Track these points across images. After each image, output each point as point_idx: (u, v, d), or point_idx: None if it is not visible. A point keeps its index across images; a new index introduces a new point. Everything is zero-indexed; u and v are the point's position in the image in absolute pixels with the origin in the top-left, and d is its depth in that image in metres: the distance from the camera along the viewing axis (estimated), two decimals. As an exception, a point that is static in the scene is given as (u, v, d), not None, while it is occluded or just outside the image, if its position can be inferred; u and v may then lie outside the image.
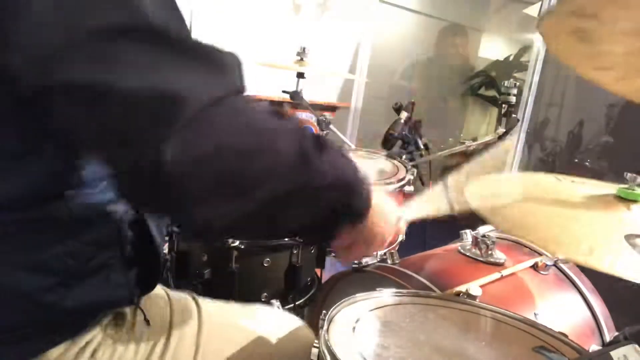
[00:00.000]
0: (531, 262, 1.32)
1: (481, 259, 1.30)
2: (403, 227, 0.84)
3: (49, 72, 0.49)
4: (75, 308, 0.66)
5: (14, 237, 0.60)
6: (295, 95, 1.87)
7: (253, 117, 0.59)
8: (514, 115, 1.62)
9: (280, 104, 2.36)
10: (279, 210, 0.60)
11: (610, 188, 0.77)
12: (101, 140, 0.54)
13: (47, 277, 0.62)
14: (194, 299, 0.90)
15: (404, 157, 1.67)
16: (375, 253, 0.80)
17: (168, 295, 0.88)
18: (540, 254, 1.39)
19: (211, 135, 0.53)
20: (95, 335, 0.71)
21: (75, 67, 0.49)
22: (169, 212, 0.62)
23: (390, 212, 0.78)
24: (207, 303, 0.91)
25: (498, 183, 0.90)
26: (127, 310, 0.77)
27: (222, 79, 0.56)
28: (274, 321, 0.96)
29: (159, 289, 0.86)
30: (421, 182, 1.70)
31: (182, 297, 0.90)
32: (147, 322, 0.78)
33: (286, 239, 1.23)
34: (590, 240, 0.63)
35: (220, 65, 0.57)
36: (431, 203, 0.93)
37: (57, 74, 0.49)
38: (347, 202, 0.67)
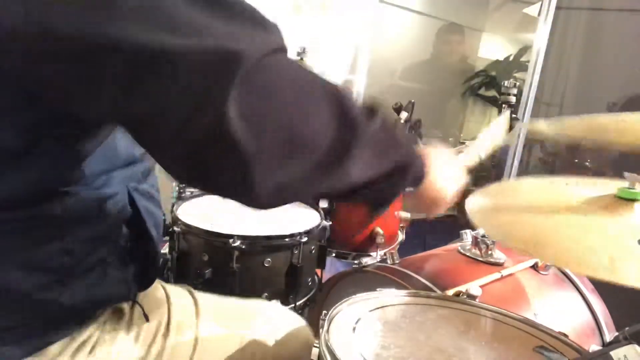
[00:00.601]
0: (531, 262, 1.33)
1: (481, 259, 1.31)
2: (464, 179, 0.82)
3: (99, 28, 0.47)
4: (72, 305, 0.66)
5: (10, 235, 0.60)
6: (295, 95, 1.87)
7: (303, 73, 0.59)
8: (514, 115, 1.62)
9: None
10: (334, 168, 0.58)
11: (605, 185, 0.77)
12: (162, 105, 0.51)
13: (44, 275, 0.62)
14: (191, 293, 0.90)
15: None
16: (443, 211, 0.79)
17: (165, 290, 0.88)
18: (540, 254, 1.39)
19: (268, 87, 0.53)
20: (93, 331, 0.71)
21: (129, 25, 0.47)
22: (226, 176, 0.57)
23: (451, 172, 0.78)
24: (205, 297, 0.91)
25: (499, 195, 0.89)
26: (125, 306, 0.77)
27: (269, 36, 0.56)
28: (272, 315, 0.96)
29: (157, 284, 0.86)
30: (421, 182, 1.70)
31: (180, 292, 0.90)
32: (145, 317, 0.78)
33: (287, 240, 1.24)
34: (606, 250, 0.62)
35: (264, 24, 0.56)
36: (488, 140, 0.95)
37: (109, 28, 0.47)
38: (403, 166, 0.66)
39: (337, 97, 0.59)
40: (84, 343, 0.69)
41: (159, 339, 0.78)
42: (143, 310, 0.78)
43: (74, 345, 0.68)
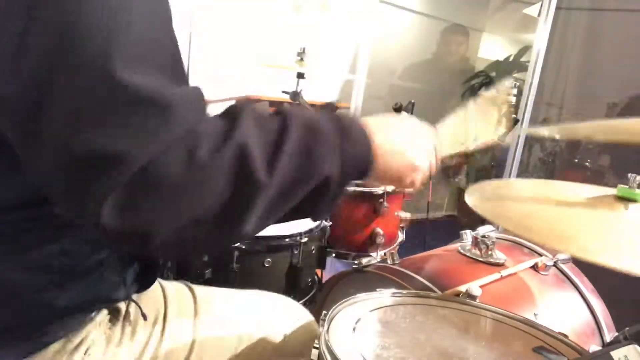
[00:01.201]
0: (531, 262, 1.33)
1: (481, 259, 1.30)
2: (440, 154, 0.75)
3: None
4: (69, 306, 0.66)
5: (9, 237, 0.60)
6: (295, 95, 1.87)
7: (193, 165, 0.52)
8: (513, 115, 1.62)
9: (280, 103, 2.36)
10: (239, 226, 0.56)
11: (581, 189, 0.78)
12: (46, 186, 0.54)
13: (41, 276, 0.62)
14: (189, 288, 0.90)
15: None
16: (415, 190, 0.73)
17: (162, 286, 0.87)
18: (540, 254, 1.39)
19: (152, 197, 0.50)
20: (90, 331, 0.71)
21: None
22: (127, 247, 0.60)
23: (410, 150, 0.69)
24: (202, 291, 0.90)
25: (499, 192, 0.90)
26: (122, 305, 0.77)
27: (167, 127, 0.51)
28: (271, 306, 0.95)
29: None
30: (421, 182, 1.70)
31: (177, 287, 0.89)
32: (143, 316, 0.77)
33: (287, 240, 1.23)
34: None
35: (159, 108, 0.51)
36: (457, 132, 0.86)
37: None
38: (343, 177, 0.60)
39: (234, 161, 0.53)
40: (80, 343, 0.69)
41: (156, 336, 0.78)
42: (140, 308, 0.77)
43: (70, 346, 0.68)
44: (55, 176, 0.51)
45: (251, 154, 0.54)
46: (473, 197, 0.82)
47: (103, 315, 0.74)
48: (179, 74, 0.56)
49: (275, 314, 0.93)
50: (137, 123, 0.50)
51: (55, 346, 0.67)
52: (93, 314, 0.72)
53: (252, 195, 0.54)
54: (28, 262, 0.61)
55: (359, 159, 0.62)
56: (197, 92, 0.57)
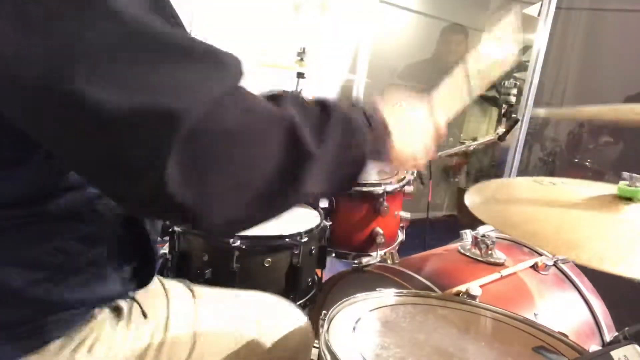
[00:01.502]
0: (531, 262, 1.33)
1: (481, 259, 1.31)
2: (441, 127, 0.83)
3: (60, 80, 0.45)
4: (67, 303, 0.66)
5: (4, 234, 0.60)
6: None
7: (251, 113, 0.55)
8: (514, 115, 1.62)
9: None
10: (292, 194, 0.58)
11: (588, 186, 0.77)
12: (92, 169, 0.51)
13: (39, 272, 0.62)
14: (189, 287, 0.90)
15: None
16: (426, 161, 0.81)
17: (164, 285, 0.87)
18: (540, 254, 1.39)
19: (212, 146, 0.50)
20: (91, 329, 0.71)
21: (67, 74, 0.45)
22: (175, 221, 0.60)
23: (419, 128, 0.78)
24: (204, 291, 0.90)
25: (497, 192, 0.89)
26: (124, 303, 0.77)
27: (217, 80, 0.52)
28: (272, 308, 0.96)
29: (155, 280, 0.86)
30: (421, 182, 1.70)
31: (179, 287, 0.90)
32: (144, 315, 0.78)
33: (287, 240, 1.24)
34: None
35: (215, 60, 0.54)
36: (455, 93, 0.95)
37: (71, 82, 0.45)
38: (363, 161, 0.66)
39: (286, 128, 0.56)
40: (82, 341, 0.69)
41: (157, 336, 0.78)
42: (141, 307, 0.78)
43: (72, 344, 0.68)
44: (108, 141, 0.47)
45: (300, 128, 0.56)
46: (474, 201, 0.82)
47: (105, 313, 0.74)
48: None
49: (272, 316, 0.94)
50: (193, 77, 0.50)
51: (56, 344, 0.67)
52: (94, 312, 0.72)
53: (303, 166, 0.56)
54: (25, 258, 0.61)
55: (381, 149, 0.70)
56: (233, 56, 0.58)
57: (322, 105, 0.62)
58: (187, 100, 0.48)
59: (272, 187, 0.55)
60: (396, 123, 0.72)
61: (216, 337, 0.84)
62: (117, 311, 0.76)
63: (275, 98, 0.60)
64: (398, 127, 0.72)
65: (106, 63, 0.46)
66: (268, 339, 0.89)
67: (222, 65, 0.54)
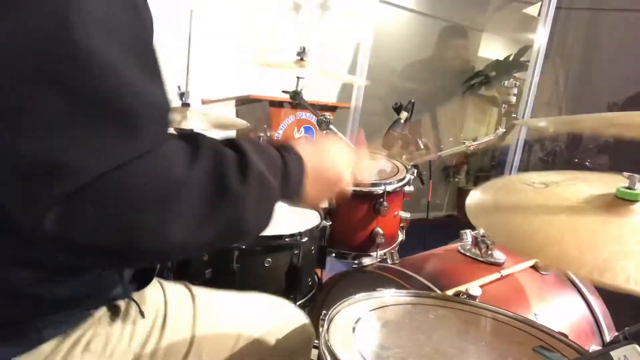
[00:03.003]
0: (531, 262, 1.33)
1: (481, 259, 1.31)
2: (363, 169, 0.85)
3: None
4: (66, 303, 0.66)
5: (5, 234, 0.60)
6: (295, 95, 1.87)
7: (155, 185, 0.54)
8: (514, 115, 1.62)
9: (280, 103, 2.36)
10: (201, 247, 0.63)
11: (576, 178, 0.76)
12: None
13: (37, 271, 0.62)
14: (188, 289, 0.90)
15: (404, 157, 1.67)
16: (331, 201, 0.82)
17: (162, 286, 0.88)
18: (540, 254, 1.39)
19: (102, 208, 0.51)
20: (89, 327, 0.71)
21: None
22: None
23: (335, 168, 0.78)
24: (202, 292, 0.90)
25: (498, 193, 0.89)
26: (121, 302, 0.77)
27: (128, 142, 0.52)
28: (270, 308, 0.96)
29: (154, 281, 0.86)
30: (421, 182, 1.70)
31: (177, 288, 0.90)
32: (141, 314, 0.78)
33: (287, 240, 1.23)
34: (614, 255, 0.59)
35: (129, 123, 0.52)
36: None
37: None
38: (273, 204, 0.67)
39: (204, 185, 0.57)
40: (79, 339, 0.70)
41: (155, 335, 0.78)
42: (139, 307, 0.78)
43: (69, 341, 0.69)
44: (3, 179, 0.51)
45: (226, 170, 0.58)
46: (474, 212, 0.82)
47: (102, 312, 0.74)
48: (151, 65, 0.56)
49: (272, 317, 0.94)
50: (97, 136, 0.50)
51: (53, 342, 0.67)
52: (91, 311, 0.72)
53: (226, 208, 0.58)
54: (23, 258, 0.61)
55: (294, 189, 0.71)
56: (165, 104, 0.57)
57: (237, 150, 0.62)
58: (82, 161, 0.49)
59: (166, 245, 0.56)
60: (314, 168, 0.73)
61: (215, 338, 0.84)
62: (115, 310, 0.76)
63: (190, 140, 0.59)
64: (314, 171, 0.73)
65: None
66: (268, 339, 0.89)
67: (138, 130, 0.53)
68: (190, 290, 0.90)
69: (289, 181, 0.69)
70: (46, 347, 0.66)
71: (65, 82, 0.49)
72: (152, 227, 0.53)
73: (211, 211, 0.57)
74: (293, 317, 0.97)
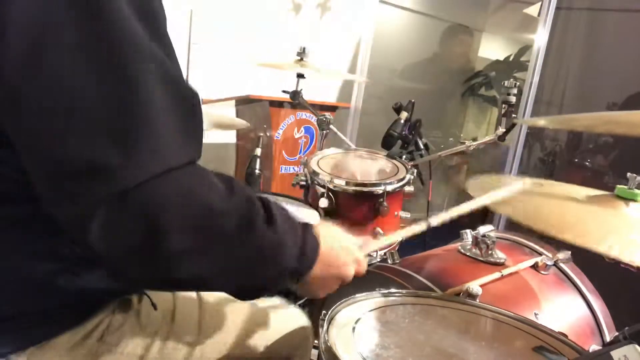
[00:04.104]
0: (531, 261, 1.33)
1: (481, 258, 1.30)
2: (363, 259, 0.84)
3: None
4: (83, 294, 0.68)
5: (21, 226, 0.62)
6: (295, 95, 1.87)
7: (194, 199, 0.56)
8: (514, 115, 1.62)
9: (280, 103, 2.36)
10: (208, 282, 0.62)
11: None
12: (41, 190, 0.54)
13: (55, 263, 0.64)
14: None
15: (404, 157, 1.67)
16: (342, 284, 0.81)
17: None
18: (540, 254, 1.39)
19: (142, 214, 0.52)
20: (102, 319, 0.72)
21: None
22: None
23: (344, 258, 0.78)
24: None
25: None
26: (134, 296, 0.79)
27: (168, 152, 0.54)
28: (272, 306, 0.97)
29: None
30: (421, 182, 1.70)
31: None
32: (154, 306, 0.79)
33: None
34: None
35: (169, 135, 0.54)
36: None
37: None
38: (285, 272, 0.67)
39: (237, 219, 0.59)
40: (93, 331, 0.71)
41: (164, 328, 0.80)
42: (151, 300, 0.79)
43: (82, 332, 0.70)
44: (49, 179, 0.53)
45: (255, 213, 0.61)
46: (475, 190, 0.83)
47: (116, 304, 0.75)
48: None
49: (273, 315, 0.95)
50: (142, 147, 0.52)
51: (68, 333, 0.68)
52: (106, 303, 0.73)
53: (247, 249, 0.60)
54: (41, 249, 0.63)
55: (307, 259, 0.70)
56: (201, 117, 0.59)
57: (263, 203, 0.64)
58: (124, 165, 0.51)
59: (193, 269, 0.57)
60: (326, 253, 0.73)
61: (220, 331, 0.86)
62: (128, 302, 0.77)
63: (225, 178, 0.61)
64: (327, 243, 0.74)
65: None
66: (269, 336, 0.91)
67: (172, 141, 0.55)
68: None
69: (304, 255, 0.69)
70: (61, 338, 0.67)
71: (114, 85, 0.51)
72: (171, 242, 0.54)
73: (234, 243, 0.59)
74: (293, 316, 0.99)
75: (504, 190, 0.86)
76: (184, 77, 0.59)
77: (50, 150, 0.51)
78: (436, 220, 0.88)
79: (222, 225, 0.57)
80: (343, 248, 0.78)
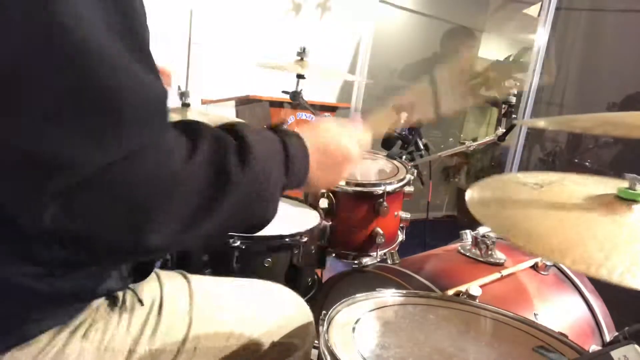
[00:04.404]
0: (531, 262, 1.33)
1: (481, 259, 1.31)
2: (365, 145, 0.83)
3: None
4: (67, 296, 0.66)
5: (3, 229, 0.60)
6: (295, 95, 1.87)
7: (155, 179, 0.54)
8: (514, 116, 1.63)
9: (280, 104, 2.36)
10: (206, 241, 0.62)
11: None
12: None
13: (36, 265, 0.62)
14: (184, 276, 0.90)
15: (404, 157, 1.67)
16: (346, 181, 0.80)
17: (158, 275, 0.87)
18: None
19: (102, 202, 0.51)
20: (86, 316, 0.71)
21: None
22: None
23: (340, 142, 0.77)
24: (198, 281, 0.90)
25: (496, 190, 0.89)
26: (119, 292, 0.77)
27: (127, 134, 0.52)
28: (269, 291, 0.96)
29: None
30: (421, 182, 1.70)
31: (172, 275, 0.90)
32: (140, 302, 0.78)
33: (287, 240, 1.23)
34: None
35: (127, 115, 0.52)
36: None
37: None
38: (282, 188, 0.67)
39: (204, 177, 0.57)
40: (76, 329, 0.70)
41: (151, 323, 0.78)
42: (137, 295, 0.78)
43: (67, 330, 0.69)
44: (4, 172, 0.51)
45: (225, 159, 0.59)
46: (474, 203, 0.82)
47: (100, 301, 0.74)
48: (144, 54, 0.56)
49: (270, 300, 0.93)
50: (94, 129, 0.50)
51: (51, 332, 0.67)
52: (90, 301, 0.72)
53: (227, 196, 0.59)
54: (22, 251, 0.61)
55: (299, 174, 0.70)
56: (163, 93, 0.56)
57: (237, 135, 0.62)
58: (78, 155, 0.49)
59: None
60: (317, 148, 0.73)
61: (212, 321, 0.84)
62: (113, 298, 0.76)
63: (189, 130, 0.60)
64: (318, 151, 0.73)
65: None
66: (267, 323, 0.89)
67: (136, 121, 0.53)
68: (186, 278, 0.89)
69: (293, 166, 0.68)
70: (44, 337, 0.66)
71: (60, 74, 0.48)
72: (153, 221, 0.53)
73: (212, 202, 0.57)
74: (292, 301, 0.97)
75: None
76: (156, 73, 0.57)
77: (5, 141, 0.49)
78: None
79: (193, 188, 0.56)
80: (336, 134, 0.77)
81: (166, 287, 0.84)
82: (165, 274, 0.88)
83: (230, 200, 0.59)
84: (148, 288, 0.82)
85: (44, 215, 0.50)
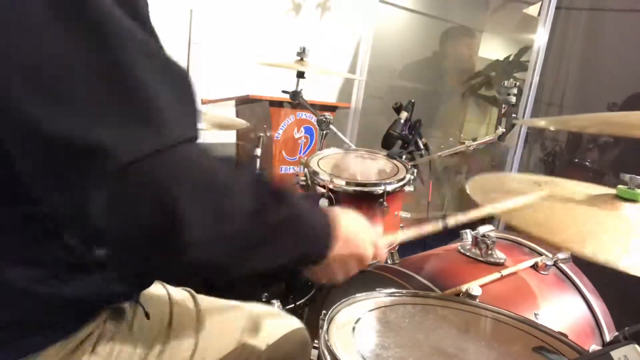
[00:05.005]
0: (531, 262, 1.33)
1: (481, 258, 1.30)
2: (382, 246, 0.82)
3: None
4: (71, 303, 0.66)
5: (9, 231, 0.60)
6: (295, 95, 1.87)
7: (200, 171, 0.54)
8: (514, 115, 1.62)
9: (280, 103, 2.36)
10: (227, 266, 0.60)
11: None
12: (33, 176, 0.53)
13: (42, 270, 0.62)
14: (192, 295, 0.91)
15: (404, 157, 1.67)
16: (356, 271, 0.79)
17: (167, 290, 0.89)
18: (540, 254, 1.39)
19: (144, 191, 0.50)
20: (94, 329, 0.71)
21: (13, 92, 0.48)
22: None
23: (363, 237, 0.77)
24: (205, 300, 0.92)
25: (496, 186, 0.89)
26: (127, 304, 0.77)
27: (166, 129, 0.52)
28: (269, 318, 0.97)
29: (158, 285, 0.86)
30: (421, 182, 1.69)
31: (182, 293, 0.91)
32: (147, 315, 0.78)
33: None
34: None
35: (171, 113, 0.53)
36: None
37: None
38: (305, 251, 0.67)
39: (246, 196, 0.57)
40: (84, 341, 0.70)
41: (160, 338, 0.79)
42: (144, 309, 0.78)
43: (74, 343, 0.68)
44: (45, 166, 0.51)
45: (264, 190, 0.61)
46: (475, 191, 0.82)
47: (107, 314, 0.74)
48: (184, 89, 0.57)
49: (270, 322, 0.95)
50: (131, 123, 0.50)
51: (59, 344, 0.67)
52: (97, 312, 0.72)
53: (259, 230, 0.59)
54: (28, 256, 0.61)
55: (325, 240, 0.70)
56: (193, 106, 0.57)
57: (278, 195, 0.63)
58: (120, 144, 0.49)
59: (205, 252, 0.55)
60: (345, 223, 0.73)
61: (216, 344, 0.85)
62: (121, 312, 0.76)
63: (229, 161, 0.61)
64: (345, 228, 0.73)
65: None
66: (268, 342, 0.91)
67: (172, 118, 0.53)
68: (194, 297, 0.91)
69: (325, 229, 0.69)
70: (51, 350, 0.66)
71: (103, 66, 0.50)
72: (197, 216, 0.52)
73: (245, 227, 0.57)
74: (289, 323, 0.99)
75: (525, 197, 0.84)
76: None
77: (45, 131, 0.49)
78: (453, 220, 0.87)
79: (234, 199, 0.56)
80: (361, 228, 0.77)
81: (175, 303, 0.86)
82: (173, 290, 0.89)
83: (267, 223, 0.59)
84: (158, 305, 0.83)
85: (89, 206, 0.49)
